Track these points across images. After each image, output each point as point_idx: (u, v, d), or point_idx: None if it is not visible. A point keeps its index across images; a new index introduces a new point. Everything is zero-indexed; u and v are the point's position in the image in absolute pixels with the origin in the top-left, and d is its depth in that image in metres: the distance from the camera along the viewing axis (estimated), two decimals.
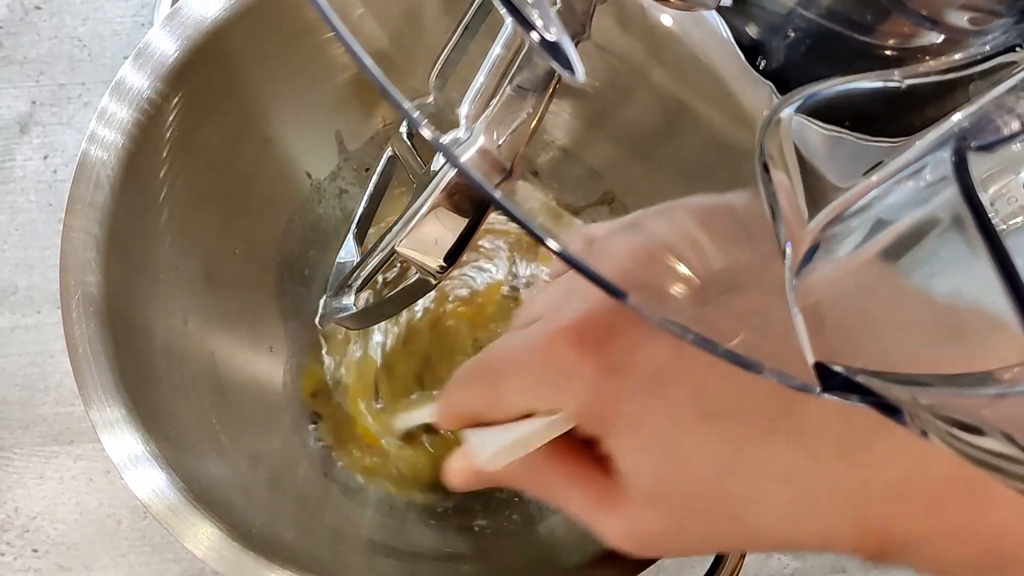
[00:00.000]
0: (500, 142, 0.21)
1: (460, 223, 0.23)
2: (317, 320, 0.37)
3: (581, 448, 0.23)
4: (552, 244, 0.15)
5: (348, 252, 0.30)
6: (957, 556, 0.20)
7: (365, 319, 0.29)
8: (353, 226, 0.31)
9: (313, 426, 0.39)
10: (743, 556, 0.31)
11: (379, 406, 0.39)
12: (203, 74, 0.31)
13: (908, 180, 0.16)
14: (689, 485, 0.21)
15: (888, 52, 0.20)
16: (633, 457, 0.22)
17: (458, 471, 0.25)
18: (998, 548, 0.19)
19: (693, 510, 0.22)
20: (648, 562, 0.28)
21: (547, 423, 0.22)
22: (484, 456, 0.23)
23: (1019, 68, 0.18)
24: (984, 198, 0.13)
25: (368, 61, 0.14)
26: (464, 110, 0.22)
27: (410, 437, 0.39)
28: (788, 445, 0.20)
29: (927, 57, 0.20)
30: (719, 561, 0.31)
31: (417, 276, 0.25)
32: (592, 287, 0.16)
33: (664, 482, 0.22)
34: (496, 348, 0.24)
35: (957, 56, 0.19)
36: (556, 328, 0.21)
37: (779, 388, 0.15)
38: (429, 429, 0.38)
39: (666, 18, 0.22)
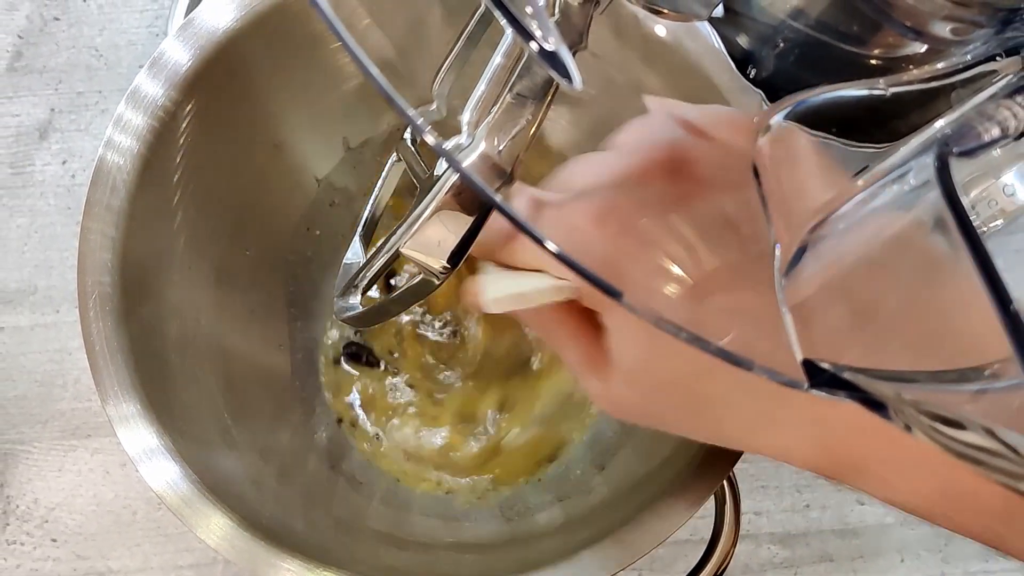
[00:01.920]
0: (500, 148, 0.21)
1: (462, 225, 0.23)
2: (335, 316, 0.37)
3: (588, 314, 0.24)
4: (550, 245, 0.15)
5: (354, 253, 0.30)
6: (911, 485, 0.21)
7: (371, 318, 0.29)
8: (359, 228, 0.31)
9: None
10: (734, 545, 0.31)
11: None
12: (215, 82, 0.31)
13: (893, 184, 0.16)
14: (665, 377, 0.23)
15: (874, 61, 0.20)
16: (623, 339, 0.23)
17: (468, 293, 0.26)
18: (954, 480, 0.20)
19: (665, 399, 0.23)
20: (647, 546, 0.28)
21: (550, 286, 0.23)
22: (486, 297, 0.24)
23: (999, 77, 0.18)
24: (966, 201, 0.13)
25: (374, 70, 0.14)
26: (466, 117, 0.22)
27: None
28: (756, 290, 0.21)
29: (911, 66, 0.20)
30: (711, 549, 0.31)
31: (421, 277, 0.25)
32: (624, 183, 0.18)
33: (645, 368, 0.23)
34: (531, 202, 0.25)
35: (940, 65, 0.19)
36: (583, 205, 0.22)
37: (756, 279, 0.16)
38: None
39: (660, 29, 0.22)
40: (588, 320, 0.24)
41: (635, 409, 0.25)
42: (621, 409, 0.25)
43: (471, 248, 0.25)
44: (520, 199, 0.23)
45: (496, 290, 0.24)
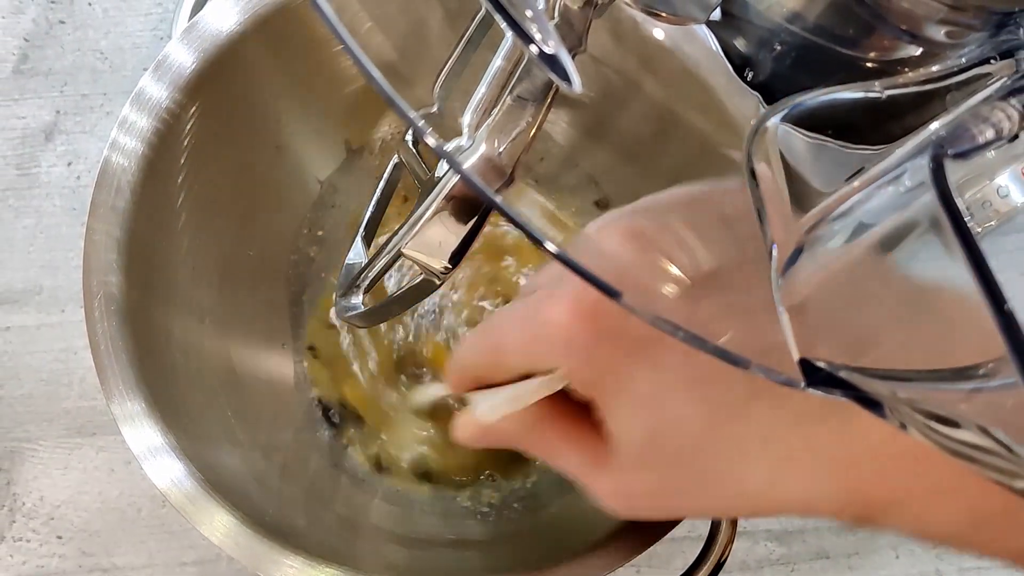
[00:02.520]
0: (500, 149, 0.21)
1: (463, 226, 0.23)
2: (333, 316, 0.37)
3: (578, 412, 0.23)
4: (549, 246, 0.15)
5: (356, 254, 0.30)
6: (941, 515, 0.20)
7: (373, 318, 0.29)
8: (361, 229, 0.31)
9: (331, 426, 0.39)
10: (731, 542, 0.31)
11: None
12: (219, 85, 0.31)
13: (888, 185, 0.16)
14: (676, 446, 0.21)
15: (869, 64, 0.20)
16: (623, 418, 0.22)
17: (463, 425, 0.25)
18: (982, 505, 0.19)
19: (679, 471, 0.22)
20: (646, 544, 0.28)
21: (540, 381, 0.23)
22: (480, 409, 0.24)
23: (993, 80, 0.18)
24: (960, 203, 0.13)
25: (376, 73, 0.14)
26: (466, 119, 0.22)
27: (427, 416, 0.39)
28: (771, 408, 0.20)
29: (906, 69, 0.20)
30: (708, 546, 0.31)
31: (422, 277, 0.25)
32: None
33: (652, 442, 0.22)
34: (499, 314, 0.24)
35: (935, 68, 0.19)
36: (554, 296, 0.21)
37: (753, 279, 0.16)
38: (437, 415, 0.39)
39: (658, 32, 0.22)
40: (582, 422, 0.23)
41: (650, 494, 0.23)
42: (634, 499, 0.23)
43: (459, 385, 0.25)
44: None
45: (488, 400, 0.24)
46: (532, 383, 0.23)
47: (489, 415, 0.24)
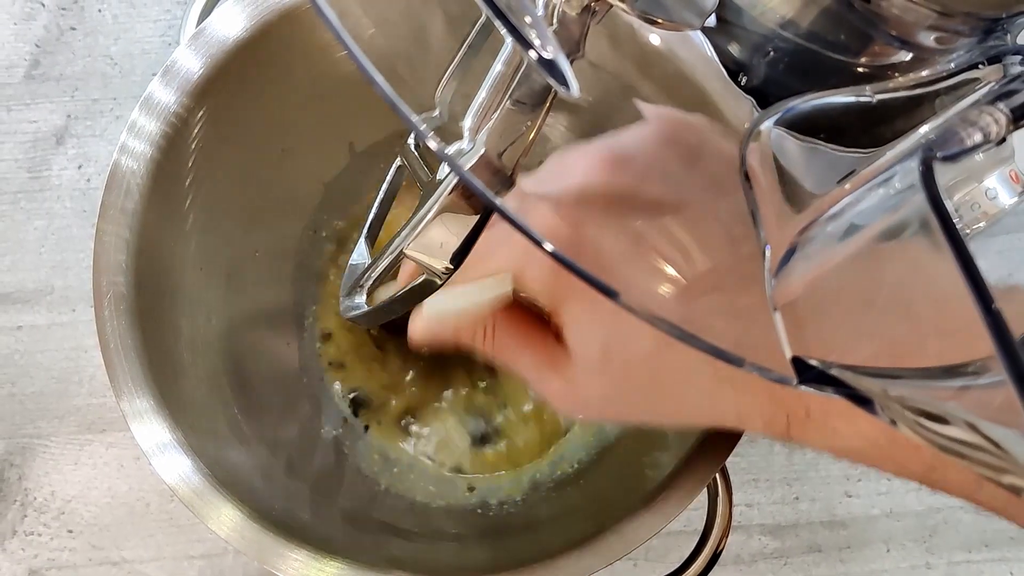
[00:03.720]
0: (501, 152, 0.21)
1: (464, 227, 0.23)
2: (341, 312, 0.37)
3: (535, 320, 0.24)
4: (548, 247, 0.15)
5: (360, 255, 0.30)
6: (857, 429, 0.21)
7: (376, 317, 0.29)
8: (365, 230, 0.31)
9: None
10: (726, 536, 0.31)
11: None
12: (226, 90, 0.31)
13: (879, 188, 0.16)
14: (628, 358, 0.23)
15: (860, 69, 0.20)
16: (583, 328, 0.23)
17: (417, 320, 0.26)
18: None
19: (631, 380, 0.23)
20: (642, 538, 0.28)
21: (492, 279, 0.23)
22: (432, 300, 0.24)
23: (981, 84, 0.18)
24: (949, 205, 0.13)
25: (379, 78, 0.14)
26: (467, 123, 0.22)
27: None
28: (747, 290, 0.21)
29: (897, 74, 0.20)
30: (703, 540, 0.31)
31: (424, 277, 0.25)
32: (564, 176, 0.18)
33: (608, 352, 0.23)
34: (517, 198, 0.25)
35: (924, 73, 0.19)
36: (543, 191, 0.22)
37: (746, 279, 0.16)
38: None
39: (655, 38, 0.22)
40: (536, 325, 0.24)
41: (600, 400, 0.24)
42: (586, 403, 0.24)
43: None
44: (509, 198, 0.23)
45: (439, 297, 0.24)
46: (484, 280, 0.23)
47: (441, 306, 0.24)
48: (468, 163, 0.21)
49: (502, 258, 0.24)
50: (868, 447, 0.21)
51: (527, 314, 0.25)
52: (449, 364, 0.40)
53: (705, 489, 0.29)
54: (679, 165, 0.21)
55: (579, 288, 0.21)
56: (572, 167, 0.22)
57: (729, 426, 0.23)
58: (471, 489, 0.39)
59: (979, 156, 0.15)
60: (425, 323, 0.26)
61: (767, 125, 0.18)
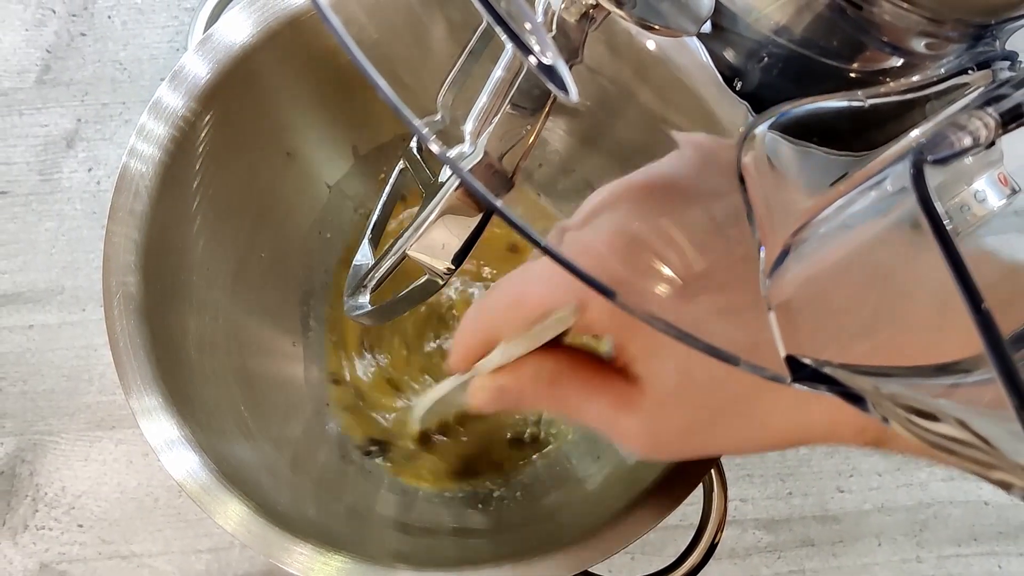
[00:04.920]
0: (501, 155, 0.21)
1: (465, 229, 0.23)
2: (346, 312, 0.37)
3: (599, 363, 0.23)
4: (548, 247, 0.15)
5: (364, 255, 0.30)
6: None
7: (379, 316, 0.29)
8: (368, 231, 0.31)
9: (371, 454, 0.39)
10: (721, 530, 0.31)
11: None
12: (232, 94, 0.31)
13: (871, 190, 0.16)
14: (705, 384, 0.21)
15: (853, 74, 0.20)
16: (654, 358, 0.21)
17: (477, 388, 0.24)
18: None
19: (707, 408, 0.21)
20: (638, 532, 0.28)
21: (550, 319, 0.22)
22: (494, 356, 0.23)
23: (971, 89, 0.18)
24: (940, 207, 0.13)
25: (382, 83, 0.14)
26: (469, 127, 0.22)
27: (425, 438, 0.39)
28: (742, 290, 0.20)
29: (888, 79, 0.20)
30: (699, 534, 0.31)
31: (426, 277, 0.25)
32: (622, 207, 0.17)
33: (683, 380, 0.21)
34: (521, 267, 0.23)
35: (915, 78, 0.19)
36: (585, 242, 0.21)
37: (742, 279, 0.15)
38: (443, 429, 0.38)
39: (651, 44, 0.22)
40: (605, 371, 0.23)
41: (678, 432, 0.22)
42: (663, 438, 0.22)
43: (467, 352, 0.24)
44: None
45: (496, 353, 0.23)
46: (541, 324, 0.22)
47: (499, 360, 0.22)
48: (469, 166, 0.21)
49: (560, 293, 0.22)
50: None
51: (587, 359, 0.23)
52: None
53: (701, 484, 0.29)
54: (723, 185, 0.20)
55: None
56: (609, 203, 0.21)
57: (816, 442, 0.21)
58: (471, 485, 0.38)
59: (969, 159, 0.15)
60: (491, 387, 0.24)
61: (762, 129, 0.18)
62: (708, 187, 0.20)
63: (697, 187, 0.20)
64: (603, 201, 0.21)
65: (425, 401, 0.35)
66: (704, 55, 0.22)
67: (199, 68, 0.31)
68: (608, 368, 0.23)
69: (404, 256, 0.25)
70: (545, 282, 0.22)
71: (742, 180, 0.17)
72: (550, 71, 0.16)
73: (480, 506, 0.37)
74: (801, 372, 0.15)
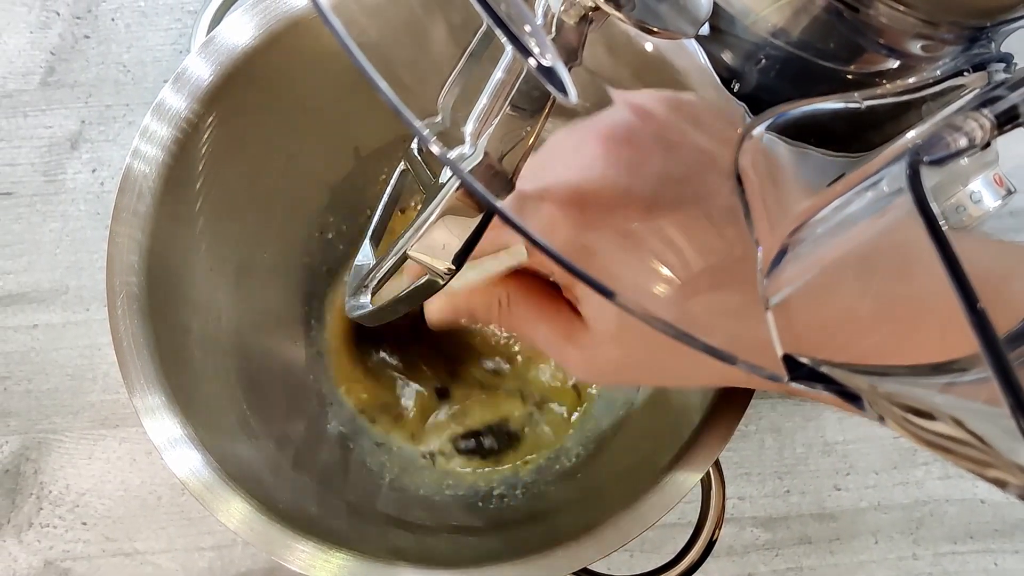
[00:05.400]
0: (501, 156, 0.21)
1: (466, 229, 0.23)
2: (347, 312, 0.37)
3: (550, 290, 0.24)
4: (547, 248, 0.15)
5: (365, 256, 0.30)
6: None
7: (380, 316, 0.29)
8: (369, 232, 0.31)
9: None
10: (719, 528, 0.31)
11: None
12: (235, 96, 0.31)
13: (868, 191, 0.16)
14: (643, 326, 0.22)
15: (850, 76, 0.20)
16: (597, 302, 0.23)
17: (434, 301, 0.26)
18: None
19: (647, 344, 0.23)
20: (638, 530, 0.28)
21: (505, 252, 0.23)
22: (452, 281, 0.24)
23: (966, 91, 0.18)
24: (936, 207, 0.13)
25: (383, 85, 0.14)
26: (469, 128, 0.22)
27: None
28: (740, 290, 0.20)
29: (885, 81, 0.20)
30: (697, 532, 0.31)
31: (427, 278, 0.25)
32: (573, 162, 0.18)
33: (621, 324, 0.23)
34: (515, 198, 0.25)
35: (911, 80, 0.19)
36: (542, 189, 0.22)
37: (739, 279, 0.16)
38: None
39: (650, 46, 0.22)
40: (550, 296, 0.24)
41: (618, 367, 0.24)
42: (604, 370, 0.24)
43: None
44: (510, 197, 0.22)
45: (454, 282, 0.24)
46: (499, 253, 0.23)
47: (456, 284, 0.24)
48: (469, 167, 0.21)
49: (510, 233, 0.24)
50: None
51: (541, 285, 0.25)
52: (450, 362, 0.40)
53: (699, 483, 0.29)
54: (678, 134, 0.21)
55: (595, 258, 0.21)
56: (570, 153, 0.22)
57: (740, 381, 0.23)
58: (472, 483, 0.39)
59: (964, 160, 0.15)
60: (443, 299, 0.26)
61: (759, 130, 0.18)
62: (668, 137, 0.20)
63: (657, 136, 0.21)
64: (566, 155, 0.22)
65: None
66: (702, 57, 0.22)
67: (202, 70, 0.31)
68: (559, 297, 0.24)
69: (405, 256, 0.25)
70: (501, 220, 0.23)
71: (740, 181, 0.17)
72: (550, 73, 0.16)
73: (480, 504, 0.37)
74: (798, 371, 0.15)
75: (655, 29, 0.19)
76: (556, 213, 0.22)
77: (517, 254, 0.23)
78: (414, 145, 0.28)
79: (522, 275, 0.25)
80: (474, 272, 0.24)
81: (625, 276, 0.19)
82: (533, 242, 0.15)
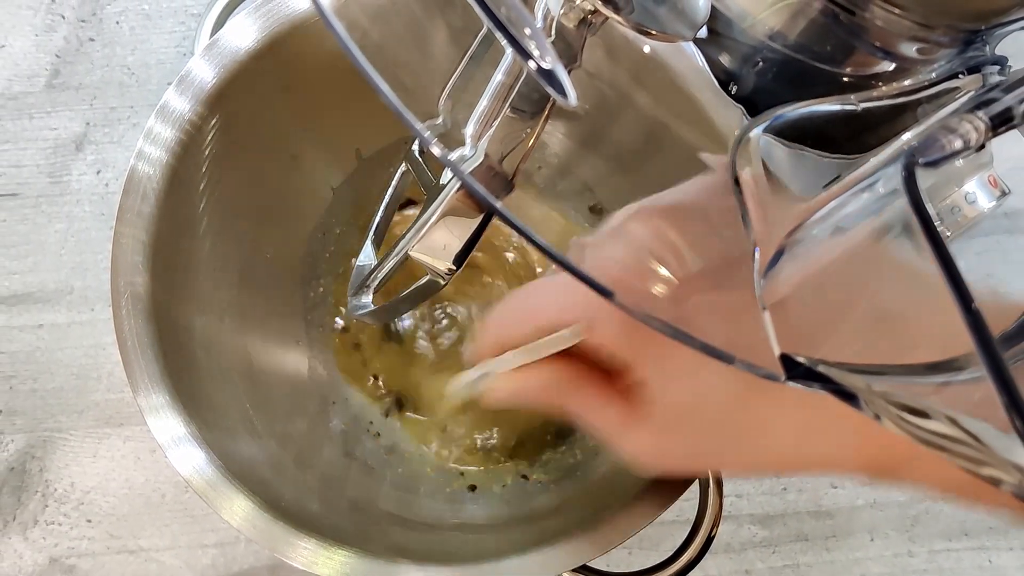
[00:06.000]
0: (501, 158, 0.21)
1: (466, 230, 0.23)
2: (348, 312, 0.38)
3: (608, 376, 0.23)
4: (547, 248, 0.15)
5: (366, 256, 0.30)
6: (950, 471, 0.19)
7: (382, 316, 0.29)
8: (371, 233, 0.31)
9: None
10: (717, 525, 0.31)
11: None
12: (238, 98, 0.31)
13: (863, 192, 0.16)
14: (711, 412, 0.21)
15: (846, 79, 0.20)
16: (662, 382, 0.22)
17: (494, 386, 0.25)
18: None
19: (712, 435, 0.22)
20: (636, 528, 0.28)
21: (558, 334, 0.22)
22: (504, 359, 0.24)
23: (961, 93, 0.18)
24: (931, 208, 0.13)
25: (385, 87, 0.14)
26: (469, 130, 0.22)
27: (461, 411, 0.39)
28: (738, 290, 0.20)
29: (880, 83, 0.20)
30: (695, 529, 0.31)
31: (428, 278, 0.25)
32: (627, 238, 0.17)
33: (688, 407, 0.22)
34: (537, 281, 0.24)
35: (907, 82, 0.19)
36: (598, 265, 0.21)
37: (737, 279, 0.15)
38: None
39: (648, 49, 0.22)
40: (607, 382, 0.23)
41: (680, 454, 0.23)
42: (665, 458, 0.23)
43: (488, 346, 0.25)
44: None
45: (508, 355, 0.24)
46: (550, 336, 0.23)
47: (508, 364, 0.23)
48: (470, 168, 0.21)
49: (570, 312, 0.23)
50: (964, 486, 0.20)
51: (595, 370, 0.23)
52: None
53: (697, 481, 0.29)
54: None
55: (658, 338, 0.21)
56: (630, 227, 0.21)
57: (821, 471, 0.22)
58: (472, 481, 0.38)
59: (959, 162, 0.15)
60: (503, 383, 0.25)
61: (756, 132, 0.18)
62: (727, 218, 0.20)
63: (718, 216, 0.20)
64: (627, 222, 0.22)
65: (452, 388, 0.36)
66: (700, 60, 0.22)
67: (205, 72, 0.31)
68: (615, 383, 0.23)
69: (406, 257, 0.25)
70: (555, 299, 0.23)
71: (737, 182, 0.17)
72: (549, 75, 0.16)
73: (481, 502, 0.37)
74: (795, 370, 0.15)
75: (653, 32, 0.19)
76: (584, 243, 0.22)
77: (574, 334, 0.22)
78: (415, 147, 0.28)
79: (581, 360, 0.24)
80: (525, 354, 0.23)
81: (623, 276, 0.19)
82: (531, 241, 0.15)
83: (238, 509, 0.28)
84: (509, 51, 0.21)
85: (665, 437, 0.22)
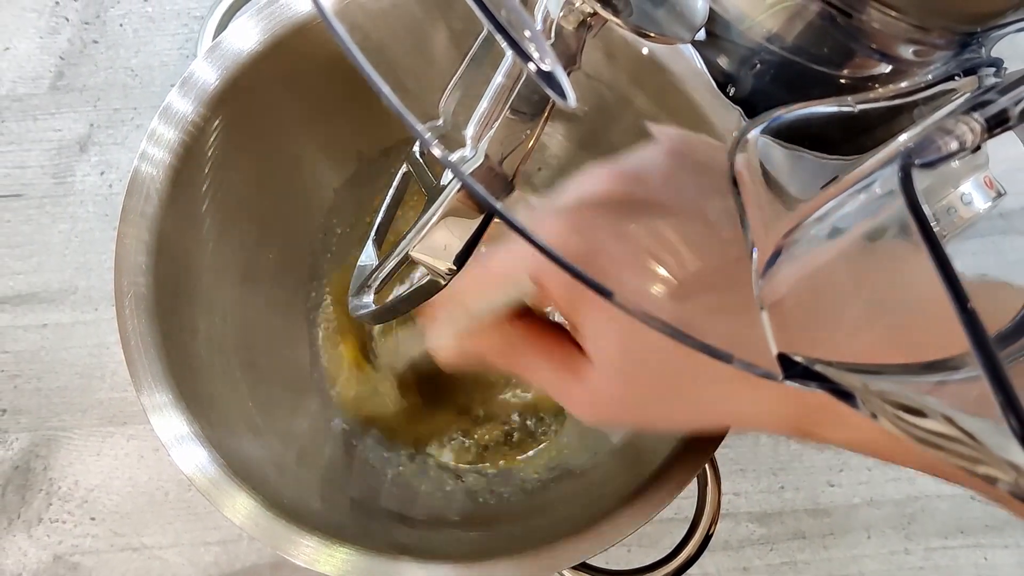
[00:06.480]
0: (501, 159, 0.21)
1: (467, 231, 0.23)
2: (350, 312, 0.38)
3: (555, 330, 0.24)
4: (547, 248, 0.15)
5: (368, 256, 0.30)
6: (875, 432, 0.20)
7: (382, 316, 0.29)
8: (372, 233, 0.31)
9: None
10: (715, 523, 0.31)
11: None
12: (240, 100, 0.31)
13: (861, 193, 0.16)
14: (648, 360, 0.22)
15: (843, 81, 0.20)
16: (600, 332, 0.22)
17: (443, 346, 0.26)
18: None
19: (649, 383, 0.23)
20: (635, 525, 0.28)
21: (503, 287, 0.23)
22: (447, 319, 0.24)
23: (957, 95, 0.18)
24: (927, 209, 0.13)
25: (386, 89, 0.14)
26: (470, 132, 0.22)
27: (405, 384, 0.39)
28: (736, 290, 0.20)
29: (877, 85, 0.20)
30: (694, 527, 0.31)
31: (428, 278, 0.25)
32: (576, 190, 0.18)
33: (626, 355, 0.22)
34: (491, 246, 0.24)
35: (903, 84, 0.19)
36: (536, 218, 0.21)
37: (735, 279, 0.16)
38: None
39: (647, 51, 0.22)
40: (559, 338, 0.24)
41: (619, 406, 0.24)
42: (605, 410, 0.24)
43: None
44: (520, 212, 0.23)
45: (454, 320, 0.24)
46: (495, 290, 0.23)
47: (463, 317, 0.24)
48: (470, 169, 0.21)
49: (519, 264, 0.23)
50: (886, 442, 0.21)
51: (543, 323, 0.24)
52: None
53: (695, 478, 0.29)
54: (687, 176, 0.21)
55: (592, 294, 0.21)
56: (582, 182, 0.22)
57: (745, 427, 0.23)
58: (472, 480, 0.39)
59: (955, 163, 0.15)
60: (453, 344, 0.25)
61: (754, 134, 0.18)
62: (676, 180, 0.20)
63: (666, 178, 0.21)
64: (581, 195, 0.22)
65: (404, 343, 0.36)
66: (698, 62, 0.22)
67: (208, 74, 0.31)
68: (562, 335, 0.24)
69: (407, 257, 0.25)
70: (504, 253, 0.24)
71: (735, 183, 0.17)
72: (549, 77, 0.16)
73: (481, 500, 0.37)
74: (792, 369, 0.15)
75: (652, 34, 0.19)
76: (558, 216, 0.22)
77: (519, 285, 0.23)
78: (416, 148, 0.28)
79: (528, 318, 0.24)
80: (475, 304, 0.24)
81: (622, 276, 0.19)
82: (532, 242, 0.15)
83: (240, 507, 0.28)
84: (509, 53, 0.21)
85: (599, 391, 0.23)
